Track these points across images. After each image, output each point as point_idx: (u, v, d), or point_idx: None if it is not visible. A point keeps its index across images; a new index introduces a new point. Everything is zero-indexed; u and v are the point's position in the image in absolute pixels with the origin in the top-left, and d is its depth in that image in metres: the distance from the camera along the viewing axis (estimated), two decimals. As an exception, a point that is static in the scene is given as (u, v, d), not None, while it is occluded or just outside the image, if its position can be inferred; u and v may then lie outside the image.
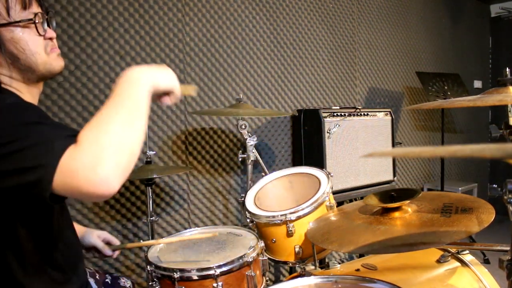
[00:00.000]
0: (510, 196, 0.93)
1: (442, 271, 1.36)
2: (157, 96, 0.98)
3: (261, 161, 2.12)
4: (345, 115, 2.61)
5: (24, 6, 0.94)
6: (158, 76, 0.93)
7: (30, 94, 1.00)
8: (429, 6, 4.01)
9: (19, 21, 0.93)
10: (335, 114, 2.56)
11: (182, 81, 2.29)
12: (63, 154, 0.74)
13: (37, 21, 0.95)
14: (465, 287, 1.29)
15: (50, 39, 0.99)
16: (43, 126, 0.80)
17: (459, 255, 1.40)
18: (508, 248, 1.05)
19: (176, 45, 2.28)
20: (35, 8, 0.97)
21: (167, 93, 0.98)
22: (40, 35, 0.96)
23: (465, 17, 4.49)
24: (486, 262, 3.24)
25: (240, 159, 2.06)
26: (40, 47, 0.96)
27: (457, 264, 1.38)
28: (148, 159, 1.87)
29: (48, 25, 1.00)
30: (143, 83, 0.89)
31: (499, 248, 1.26)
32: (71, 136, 0.77)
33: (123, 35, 2.09)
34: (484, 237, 2.70)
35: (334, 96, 3.10)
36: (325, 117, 2.50)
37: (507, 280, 0.96)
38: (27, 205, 0.89)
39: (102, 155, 0.74)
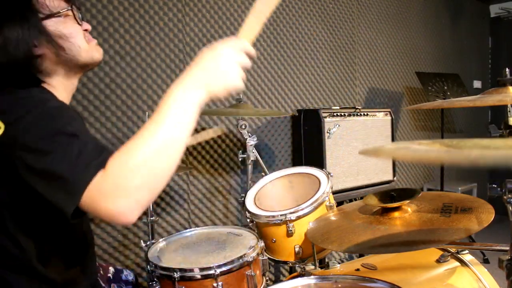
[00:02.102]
0: (509, 196, 0.93)
1: (441, 271, 1.36)
2: None
3: (261, 161, 2.12)
4: (345, 115, 2.61)
5: None
6: (215, 89, 0.86)
7: (65, 91, 1.02)
8: (429, 6, 4.01)
9: (60, 12, 0.95)
10: (335, 114, 2.56)
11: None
12: (92, 180, 0.76)
13: (74, 12, 0.99)
14: (464, 287, 1.30)
15: (85, 30, 1.02)
16: (80, 141, 0.80)
17: (458, 255, 1.40)
18: (507, 248, 1.06)
19: (176, 45, 2.28)
20: (64, 3, 0.99)
21: None
22: (79, 24, 0.99)
23: (465, 18, 4.50)
24: (485, 261, 3.24)
25: (240, 159, 2.06)
26: (80, 36, 0.99)
27: (457, 264, 1.38)
28: (148, 159, 1.87)
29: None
30: (192, 104, 0.83)
31: (498, 247, 1.26)
32: (102, 161, 0.78)
33: (123, 35, 2.09)
34: (483, 237, 2.70)
35: (334, 96, 3.10)
36: (325, 117, 2.51)
37: (506, 280, 0.97)
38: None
39: (128, 189, 0.76)
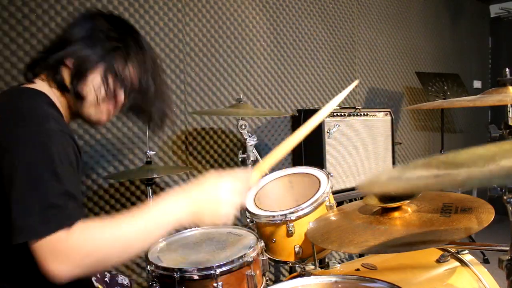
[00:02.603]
0: (509, 196, 0.93)
1: (441, 271, 1.36)
2: None
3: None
4: (345, 115, 2.61)
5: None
6: (203, 217, 0.91)
7: (66, 111, 1.06)
8: (429, 6, 4.01)
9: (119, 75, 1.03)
10: (335, 114, 2.56)
11: (182, 81, 2.30)
12: (52, 234, 0.78)
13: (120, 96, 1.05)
14: (464, 287, 1.30)
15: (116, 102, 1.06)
16: (60, 187, 0.82)
17: (458, 255, 1.40)
18: (507, 248, 1.06)
19: (176, 45, 2.28)
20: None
21: None
22: (113, 105, 1.06)
23: (464, 18, 4.50)
24: (485, 261, 3.24)
25: (240, 159, 2.06)
26: (104, 107, 1.05)
27: (457, 264, 1.38)
28: (148, 159, 1.87)
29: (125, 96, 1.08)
30: (177, 218, 0.88)
31: (498, 247, 1.26)
32: (71, 220, 0.80)
33: (123, 35, 2.09)
34: (483, 237, 2.70)
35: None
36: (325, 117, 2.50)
37: (506, 280, 0.97)
38: None
39: (74, 262, 0.79)
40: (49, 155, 0.83)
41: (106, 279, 1.37)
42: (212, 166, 2.43)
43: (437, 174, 0.68)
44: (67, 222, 0.79)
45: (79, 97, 1.00)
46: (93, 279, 1.28)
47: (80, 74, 0.99)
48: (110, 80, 1.01)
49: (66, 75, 1.01)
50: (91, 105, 1.03)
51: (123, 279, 1.42)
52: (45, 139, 0.85)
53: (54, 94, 1.01)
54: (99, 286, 1.29)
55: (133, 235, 0.85)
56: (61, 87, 1.01)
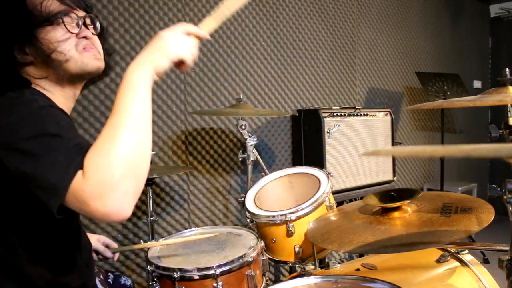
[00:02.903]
0: (509, 196, 0.93)
1: (441, 271, 1.36)
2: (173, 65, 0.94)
3: (261, 161, 2.12)
4: (345, 115, 2.61)
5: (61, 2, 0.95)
6: (158, 60, 0.88)
7: (63, 96, 1.00)
8: (429, 6, 4.01)
9: (50, 18, 0.93)
10: (335, 114, 2.56)
11: (182, 81, 2.30)
12: (71, 182, 0.75)
13: (65, 20, 0.95)
14: (464, 287, 1.30)
15: (85, 37, 0.98)
16: (62, 141, 0.80)
17: (458, 255, 1.40)
18: (507, 248, 1.06)
19: (176, 45, 2.28)
20: (62, 6, 0.96)
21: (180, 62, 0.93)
22: (69, 32, 0.95)
23: (464, 18, 4.50)
24: (485, 261, 3.24)
25: (240, 159, 2.06)
26: (69, 45, 0.95)
27: (457, 264, 1.38)
28: (148, 159, 1.87)
29: (85, 26, 1.00)
30: (141, 81, 0.85)
31: (498, 247, 1.26)
32: (80, 161, 0.76)
33: (124, 35, 2.09)
34: (483, 237, 2.70)
35: (334, 96, 3.10)
36: (325, 117, 2.51)
37: (506, 280, 0.97)
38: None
39: (109, 184, 0.74)
40: (44, 124, 0.81)
41: (109, 280, 1.37)
42: (212, 166, 2.43)
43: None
44: (77, 162, 0.76)
45: (47, 58, 0.93)
46: (97, 280, 1.28)
47: (22, 41, 0.92)
48: (49, 31, 0.93)
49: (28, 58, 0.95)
50: (73, 61, 0.95)
51: (125, 280, 1.42)
52: (37, 114, 0.83)
53: (40, 85, 0.97)
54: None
55: (127, 117, 0.81)
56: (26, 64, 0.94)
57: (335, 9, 3.11)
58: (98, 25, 1.03)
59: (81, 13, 1.00)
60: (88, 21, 1.01)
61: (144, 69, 0.86)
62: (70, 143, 0.80)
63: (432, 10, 4.05)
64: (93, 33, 1.01)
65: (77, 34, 0.97)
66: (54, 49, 0.92)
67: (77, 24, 0.97)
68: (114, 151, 0.76)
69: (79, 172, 0.75)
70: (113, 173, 0.75)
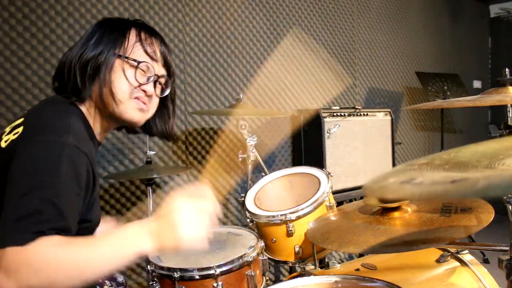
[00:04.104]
0: (509, 196, 0.93)
1: (441, 271, 1.36)
2: None
3: (261, 161, 2.12)
4: (345, 115, 2.61)
5: (145, 52, 1.02)
6: (166, 239, 0.85)
7: (101, 126, 1.04)
8: (429, 6, 4.01)
9: (126, 58, 0.99)
10: (335, 114, 2.56)
11: (182, 81, 2.30)
12: (11, 245, 0.73)
13: (141, 66, 1.00)
14: (464, 286, 1.30)
15: (144, 91, 1.01)
16: (47, 207, 0.79)
17: (458, 255, 1.40)
18: (507, 248, 1.06)
19: (177, 45, 2.28)
20: (157, 67, 1.03)
21: None
22: (135, 79, 1.00)
23: (464, 18, 4.50)
24: (485, 261, 3.24)
25: (240, 159, 2.06)
26: (125, 90, 0.99)
27: (457, 263, 1.38)
28: (148, 159, 1.87)
29: (155, 83, 1.04)
30: (135, 246, 0.83)
31: (498, 248, 1.26)
32: (42, 235, 0.76)
33: (123, 35, 2.10)
34: (483, 237, 2.70)
35: (334, 96, 3.10)
36: (325, 117, 2.51)
37: (506, 280, 0.97)
38: None
39: (23, 277, 0.73)
40: (54, 168, 0.82)
41: None
42: (212, 166, 2.43)
43: (454, 179, 0.62)
44: (28, 236, 0.75)
45: (101, 96, 0.97)
46: None
47: (91, 72, 0.97)
48: (122, 67, 0.98)
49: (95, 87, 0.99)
50: (119, 101, 0.98)
51: (118, 276, 1.43)
52: (56, 151, 0.83)
53: (88, 108, 1.01)
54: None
55: (89, 262, 0.79)
56: (79, 92, 0.98)
57: (335, 9, 3.11)
58: (167, 91, 1.07)
59: (162, 71, 1.05)
60: (162, 81, 1.06)
61: (146, 240, 0.84)
62: (53, 213, 0.79)
63: (432, 10, 4.05)
64: (156, 94, 1.05)
65: (140, 84, 1.00)
66: (113, 81, 0.97)
67: (148, 78, 1.01)
68: (56, 274, 0.75)
69: (21, 247, 0.74)
70: (38, 279, 0.74)
